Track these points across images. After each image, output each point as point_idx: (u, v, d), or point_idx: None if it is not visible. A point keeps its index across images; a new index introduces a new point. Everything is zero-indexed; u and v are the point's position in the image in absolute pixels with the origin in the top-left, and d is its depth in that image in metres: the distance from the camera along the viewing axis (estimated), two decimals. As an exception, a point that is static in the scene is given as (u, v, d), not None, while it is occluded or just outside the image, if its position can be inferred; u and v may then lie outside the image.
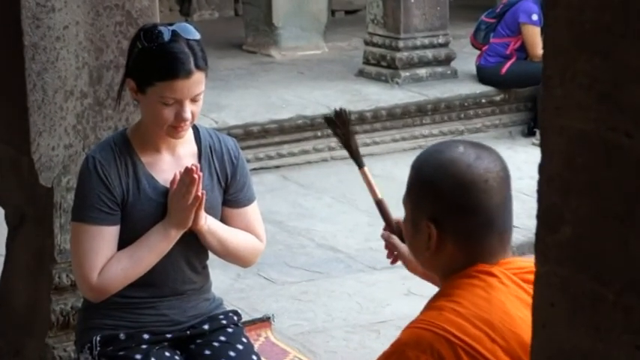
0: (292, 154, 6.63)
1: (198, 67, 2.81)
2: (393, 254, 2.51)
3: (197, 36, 2.85)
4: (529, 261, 2.11)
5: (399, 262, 2.51)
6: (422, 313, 2.03)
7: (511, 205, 2.06)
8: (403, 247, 2.45)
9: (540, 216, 1.30)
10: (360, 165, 2.64)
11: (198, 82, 2.82)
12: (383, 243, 2.51)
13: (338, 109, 2.69)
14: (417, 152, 7.53)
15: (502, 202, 2.02)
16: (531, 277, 2.04)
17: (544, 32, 1.29)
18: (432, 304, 2.03)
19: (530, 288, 2.02)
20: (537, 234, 1.31)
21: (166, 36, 2.80)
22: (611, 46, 1.18)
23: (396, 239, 2.50)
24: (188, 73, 2.79)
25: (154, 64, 2.80)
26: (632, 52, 1.16)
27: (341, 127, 2.66)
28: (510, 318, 1.96)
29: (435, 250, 2.03)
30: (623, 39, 1.17)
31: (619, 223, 1.21)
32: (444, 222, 2.01)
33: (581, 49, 1.21)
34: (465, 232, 2.02)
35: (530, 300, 2.00)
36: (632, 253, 1.20)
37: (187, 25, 2.89)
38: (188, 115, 2.81)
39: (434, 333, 1.94)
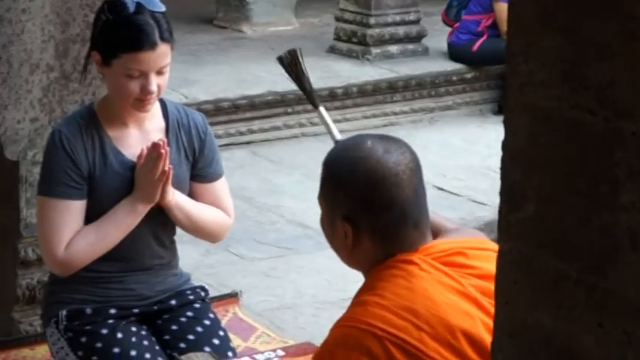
0: (263, 130, 6.61)
1: (163, 39, 2.79)
2: None
3: (162, 8, 2.83)
4: (451, 242, 2.11)
5: None
6: (348, 309, 2.04)
7: (424, 192, 2.07)
8: None
9: (503, 193, 1.30)
10: (315, 105, 2.62)
11: (163, 54, 2.80)
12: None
13: (291, 49, 2.66)
14: (388, 129, 7.51)
15: (414, 192, 2.03)
16: (454, 259, 2.06)
17: (508, 8, 1.28)
18: (356, 300, 2.04)
19: (452, 271, 2.03)
20: (500, 211, 1.31)
21: (131, 8, 2.78)
22: (574, 23, 1.18)
23: None
24: (153, 45, 2.77)
25: (119, 35, 2.78)
26: (595, 28, 1.15)
27: (293, 67, 2.63)
28: (434, 304, 1.96)
29: (352, 247, 2.03)
30: (587, 15, 1.16)
31: (582, 201, 1.21)
32: (359, 220, 2.01)
33: (545, 26, 1.21)
34: (380, 228, 2.02)
35: (453, 284, 2.01)
36: (595, 231, 1.20)
37: (153, -3, 2.87)
38: (154, 87, 2.79)
39: (360, 329, 1.94)
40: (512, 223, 1.28)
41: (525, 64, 1.23)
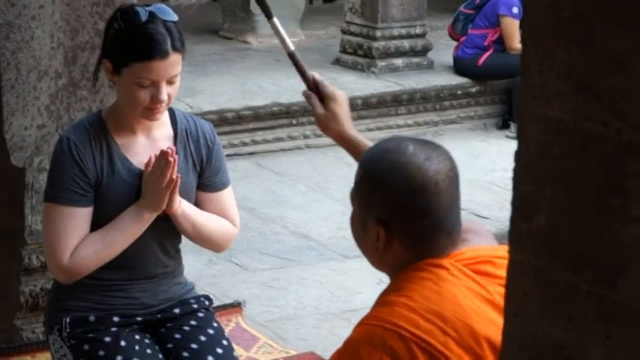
0: (267, 141, 6.62)
1: (174, 48, 2.80)
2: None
3: (174, 18, 2.84)
4: (480, 249, 2.11)
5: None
6: (373, 308, 2.02)
7: (459, 203, 2.05)
8: (319, 109, 2.52)
9: (515, 204, 1.30)
10: (269, 16, 2.65)
11: (174, 63, 2.80)
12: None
13: None
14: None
15: (450, 201, 2.01)
16: (482, 267, 2.06)
17: (523, 19, 1.28)
18: (383, 299, 2.03)
19: (481, 279, 2.03)
20: (512, 222, 1.30)
21: (143, 17, 2.79)
22: (589, 35, 1.18)
23: (314, 100, 2.55)
24: (164, 54, 2.78)
25: (131, 44, 2.78)
26: (610, 40, 1.16)
27: None
28: (462, 309, 1.96)
29: (383, 250, 2.02)
30: (602, 27, 1.16)
31: (593, 213, 1.21)
32: (393, 223, 2.00)
33: (559, 38, 1.21)
34: (413, 234, 2.01)
35: (481, 291, 2.01)
36: (606, 243, 1.20)
37: (165, 6, 2.88)
38: (164, 96, 2.79)
39: (385, 329, 1.94)
40: (523, 233, 1.28)
41: (539, 76, 1.23)
